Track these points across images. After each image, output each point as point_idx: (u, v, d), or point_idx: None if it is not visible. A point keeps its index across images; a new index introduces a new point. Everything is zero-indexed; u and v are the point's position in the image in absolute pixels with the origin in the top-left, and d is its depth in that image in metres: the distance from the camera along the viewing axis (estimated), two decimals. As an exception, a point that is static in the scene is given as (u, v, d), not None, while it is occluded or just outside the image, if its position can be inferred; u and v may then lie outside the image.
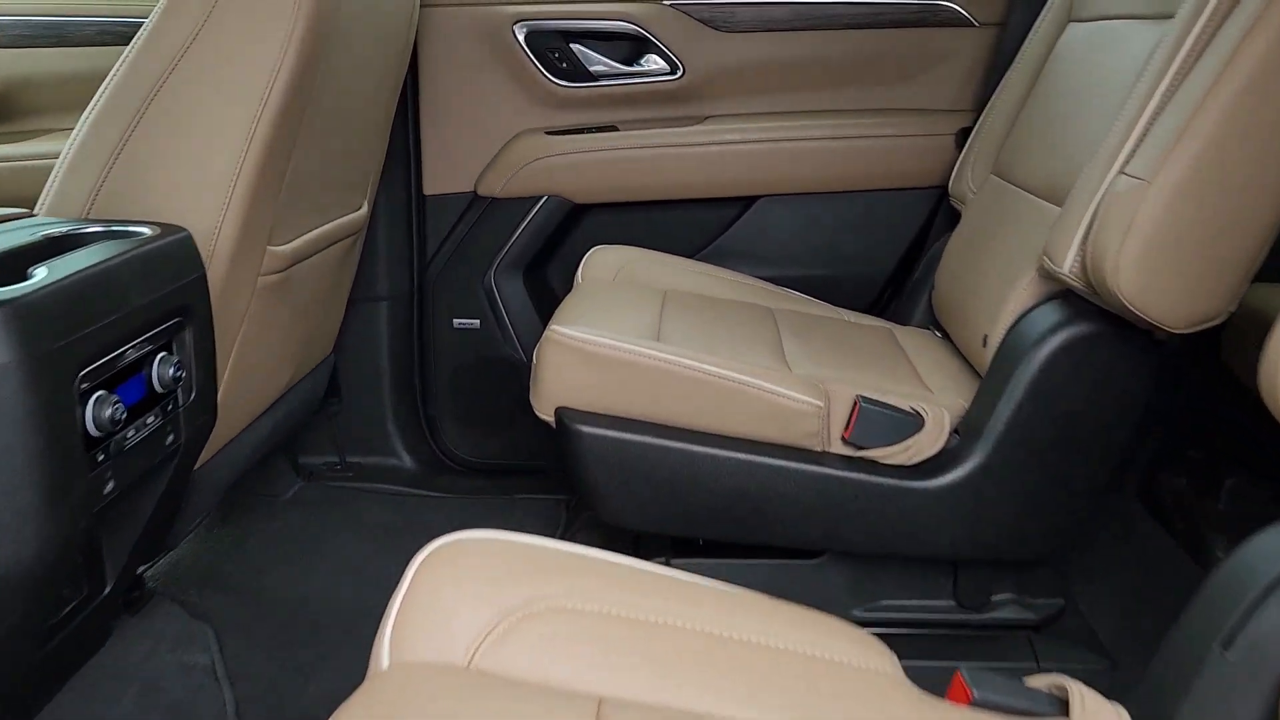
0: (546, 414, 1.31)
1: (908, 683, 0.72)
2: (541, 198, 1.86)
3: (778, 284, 1.77)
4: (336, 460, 1.99)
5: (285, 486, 1.90)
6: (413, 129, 1.87)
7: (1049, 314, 1.24)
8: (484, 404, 1.97)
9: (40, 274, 0.90)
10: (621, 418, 1.27)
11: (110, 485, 0.98)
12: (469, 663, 0.67)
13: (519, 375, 1.93)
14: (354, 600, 1.55)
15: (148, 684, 1.28)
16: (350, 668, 1.38)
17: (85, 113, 1.17)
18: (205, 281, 1.14)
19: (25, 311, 0.84)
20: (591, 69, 1.85)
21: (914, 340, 1.57)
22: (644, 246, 1.79)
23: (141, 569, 1.51)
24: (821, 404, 1.26)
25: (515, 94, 1.86)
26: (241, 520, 1.77)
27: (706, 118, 1.87)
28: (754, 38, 1.83)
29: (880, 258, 1.87)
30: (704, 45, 1.84)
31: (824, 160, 1.82)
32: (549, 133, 1.86)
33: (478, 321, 1.93)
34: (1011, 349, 1.26)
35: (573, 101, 1.87)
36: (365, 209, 1.68)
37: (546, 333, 1.29)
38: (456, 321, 1.93)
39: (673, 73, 1.85)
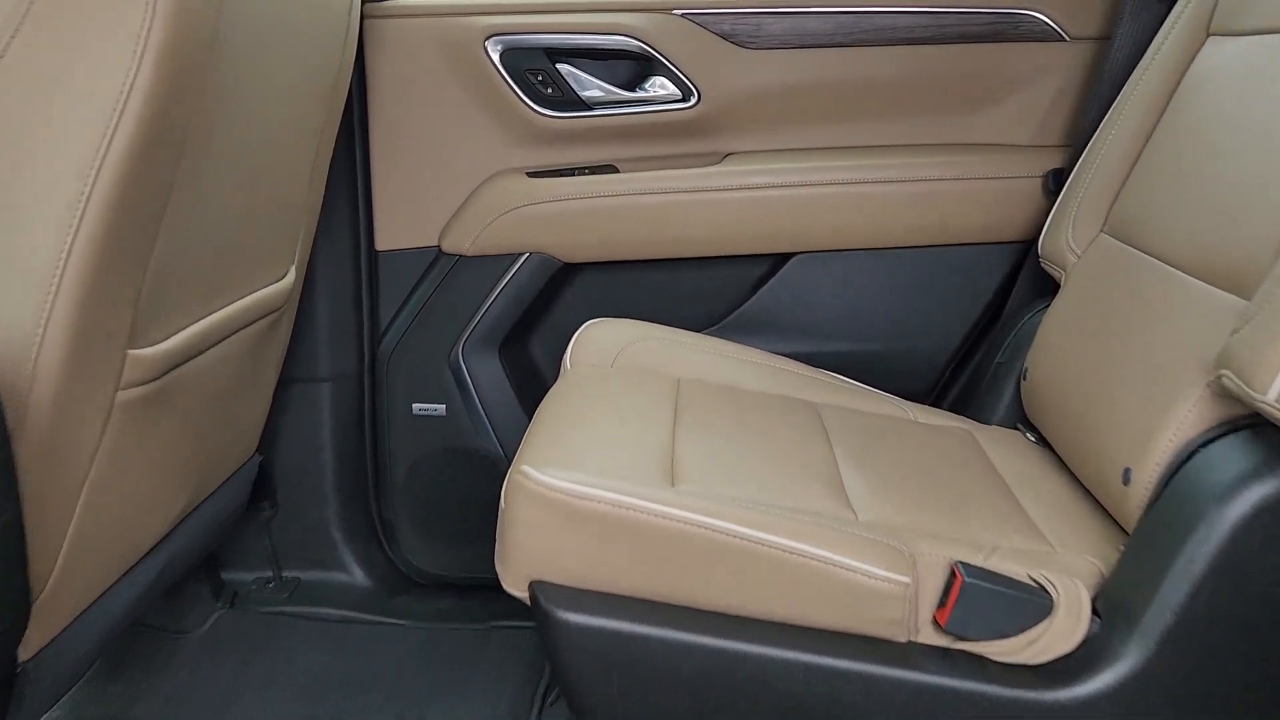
0: (517, 588, 0.93)
1: None
2: (521, 255, 1.48)
3: (814, 364, 1.40)
4: (270, 576, 1.61)
5: (199, 618, 1.51)
6: (361, 170, 1.50)
7: (1239, 453, 0.86)
8: (452, 506, 1.59)
9: None
10: (626, 598, 0.90)
11: None
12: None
13: (494, 471, 1.56)
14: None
15: None
16: None
17: None
18: None
19: None
20: (584, 95, 1.48)
21: (1007, 453, 1.19)
22: (649, 318, 1.41)
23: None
24: (908, 580, 0.88)
25: (488, 126, 1.49)
26: (133, 673, 1.39)
27: (727, 155, 1.50)
28: (786, 56, 1.46)
29: (944, 332, 1.50)
30: (724, 65, 1.47)
31: (875, 209, 1.45)
32: (530, 174, 1.49)
33: (443, 406, 1.55)
34: (1180, 499, 0.88)
35: (560, 136, 1.50)
36: (291, 277, 1.31)
37: (514, 476, 0.92)
38: (417, 406, 1.55)
39: (685, 99, 1.48)
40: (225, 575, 1.60)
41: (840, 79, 1.47)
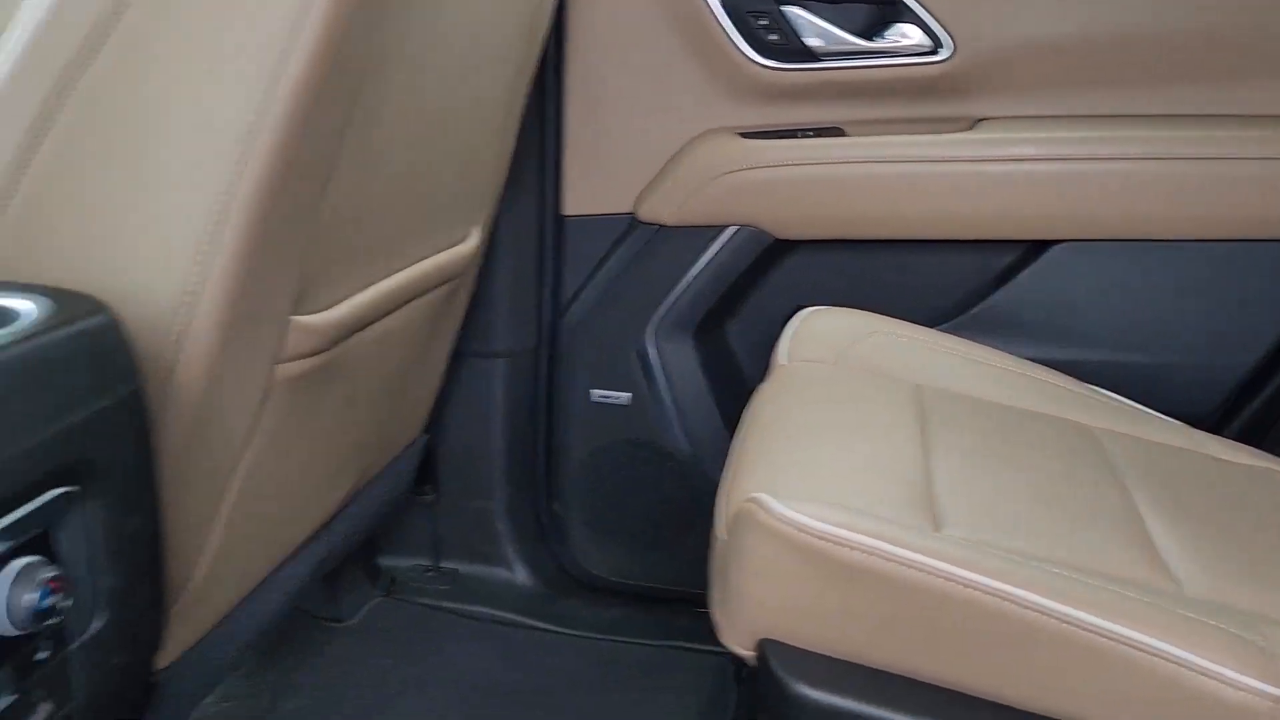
0: (741, 645, 0.74)
1: None
2: (729, 227, 1.29)
3: (1074, 374, 1.16)
4: (429, 564, 1.48)
5: (354, 604, 1.40)
6: (552, 126, 1.33)
7: None
8: (629, 506, 1.42)
9: None
10: (886, 674, 0.70)
11: None
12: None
13: (680, 470, 1.38)
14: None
15: None
16: None
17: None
18: (136, 405, 0.62)
19: None
20: (811, 43, 1.27)
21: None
22: (873, 307, 1.20)
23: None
24: (1274, 689, 0.65)
25: (699, 79, 1.30)
26: (285, 661, 1.28)
27: (979, 121, 1.26)
28: (1063, 1, 1.21)
29: (1239, 346, 1.22)
30: (984, 10, 1.22)
31: (1162, 192, 1.19)
32: (744, 135, 1.29)
33: (627, 395, 1.38)
34: None
35: (781, 91, 1.29)
36: (474, 241, 1.15)
37: (745, 506, 0.73)
38: (597, 393, 1.39)
39: (934, 51, 1.24)
40: (381, 561, 1.49)
41: (1129, 31, 1.21)
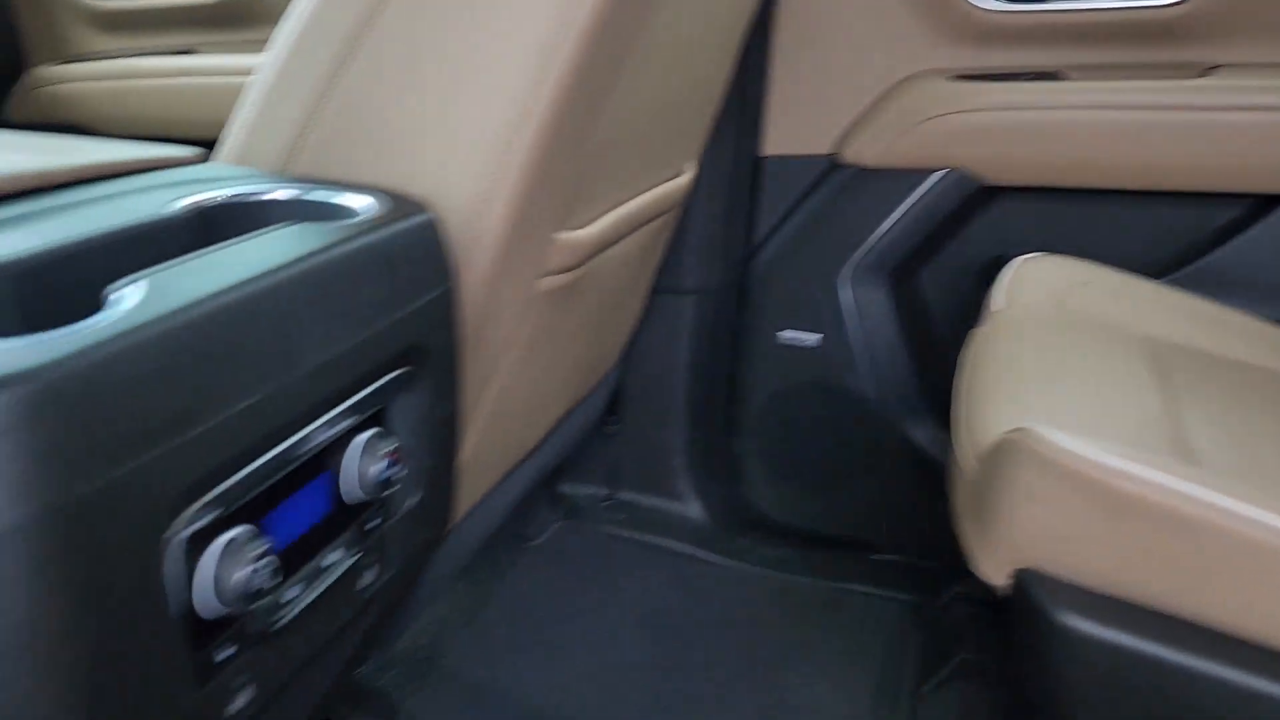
0: (996, 575, 0.75)
1: None
2: (937, 171, 1.27)
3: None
4: (606, 494, 1.52)
5: (539, 526, 1.45)
6: (757, 64, 1.33)
7: None
8: (810, 449, 1.43)
9: (124, 304, 0.43)
10: (1156, 611, 0.69)
11: (246, 696, 0.52)
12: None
13: (866, 416, 1.38)
14: (620, 742, 1.08)
15: None
16: None
17: (290, 22, 0.72)
18: (452, 298, 0.66)
19: (53, 405, 0.37)
20: (1034, -15, 1.23)
21: None
22: (1087, 257, 1.17)
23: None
24: None
25: (914, 18, 1.28)
26: (479, 574, 1.34)
27: (1214, 68, 1.21)
28: (1314, -57, 1.15)
29: None
30: (1227, -48, 1.17)
31: None
32: (957, 78, 1.26)
33: (816, 337, 1.38)
34: None
35: (1000, 33, 1.26)
36: (689, 175, 1.17)
37: (1014, 437, 0.73)
38: (786, 334, 1.39)
39: (1168, -6, 1.20)
40: (561, 489, 1.53)
41: (1384, -24, 1.14)
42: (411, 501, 0.64)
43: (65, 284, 0.49)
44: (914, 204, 1.29)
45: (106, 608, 0.40)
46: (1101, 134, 1.20)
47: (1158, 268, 1.24)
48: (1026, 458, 0.71)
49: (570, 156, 0.77)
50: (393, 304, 0.58)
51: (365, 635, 0.69)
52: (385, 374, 0.59)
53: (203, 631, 0.48)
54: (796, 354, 1.40)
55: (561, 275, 0.85)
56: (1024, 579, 0.72)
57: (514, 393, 0.88)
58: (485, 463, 0.88)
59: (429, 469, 0.65)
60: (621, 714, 1.11)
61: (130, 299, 0.44)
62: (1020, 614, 0.72)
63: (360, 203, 0.62)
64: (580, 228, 0.86)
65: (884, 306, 1.35)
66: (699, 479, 1.49)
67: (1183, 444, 0.78)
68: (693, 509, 1.50)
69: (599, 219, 0.91)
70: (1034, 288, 1.09)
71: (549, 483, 1.49)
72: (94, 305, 0.45)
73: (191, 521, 0.45)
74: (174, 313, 0.43)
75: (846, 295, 1.35)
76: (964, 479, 0.80)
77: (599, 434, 1.48)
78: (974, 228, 1.33)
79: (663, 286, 1.40)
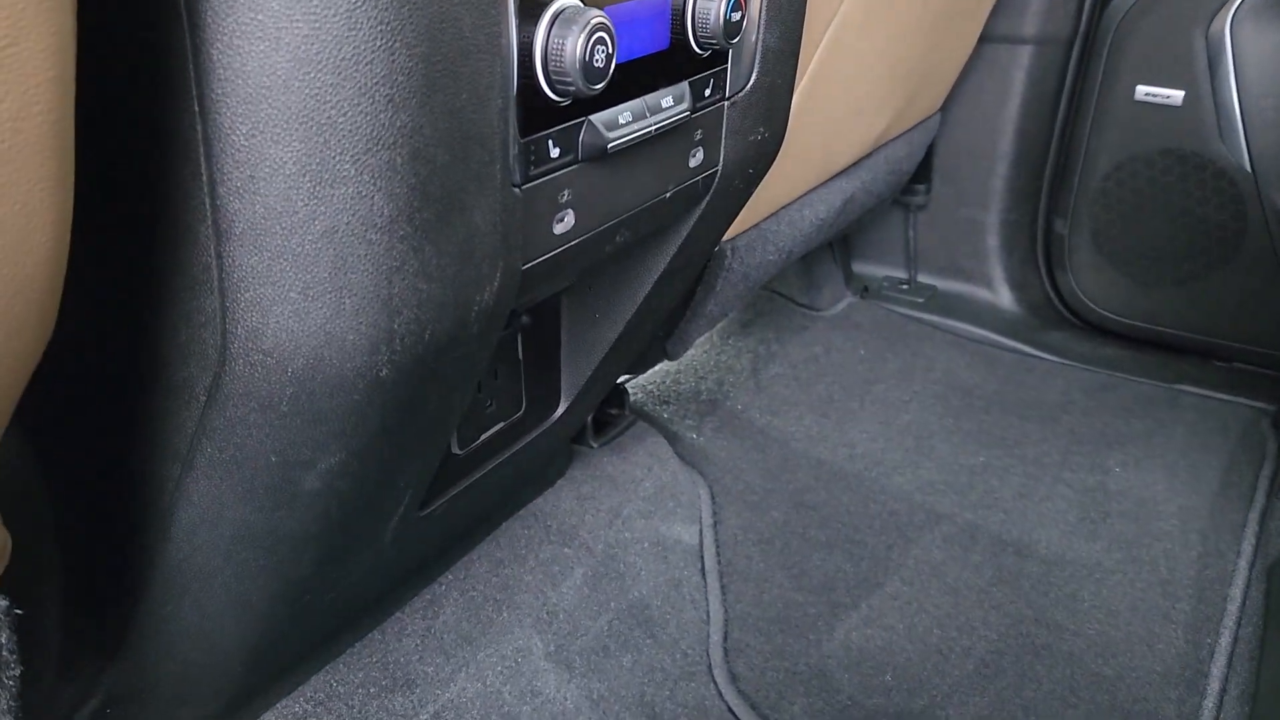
0: None
1: None
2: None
3: None
4: (904, 278, 1.40)
5: (830, 298, 1.35)
6: None
7: None
8: (1153, 232, 1.23)
9: None
10: None
11: (567, 221, 0.46)
12: None
13: (1232, 194, 1.17)
14: (912, 493, 0.98)
15: (607, 564, 0.81)
16: (902, 614, 0.82)
17: None
18: None
19: None
20: None
21: None
22: None
23: (623, 379, 1.06)
24: None
25: None
26: (765, 333, 1.26)
27: None
28: None
29: None
30: None
31: None
32: None
33: (1180, 93, 1.17)
34: None
35: None
36: None
37: None
38: (1143, 90, 1.19)
39: None
40: (855, 267, 1.42)
41: None
42: (748, 87, 0.55)
43: None
44: (1339, -84, 1.04)
45: (456, 52, 0.35)
46: None
47: None
48: None
49: None
50: None
51: (688, 258, 0.62)
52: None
53: (535, 119, 0.42)
54: (1156, 114, 1.19)
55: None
56: None
57: (836, 70, 0.77)
58: (801, 144, 0.78)
59: (771, 51, 0.55)
60: (918, 477, 1.01)
61: None
62: None
63: None
64: None
65: (1274, 57, 1.11)
66: (1011, 263, 1.34)
67: None
68: (1002, 297, 1.35)
69: None
70: None
71: (840, 260, 1.38)
72: None
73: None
74: None
75: (1225, 43, 1.13)
76: None
77: (905, 201, 1.35)
78: None
79: (996, 34, 1.23)
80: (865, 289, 1.39)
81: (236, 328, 0.36)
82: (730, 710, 0.73)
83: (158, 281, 0.37)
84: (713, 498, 0.95)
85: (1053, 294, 1.33)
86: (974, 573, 0.88)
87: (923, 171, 1.31)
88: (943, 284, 1.38)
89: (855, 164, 0.99)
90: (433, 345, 0.40)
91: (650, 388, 1.13)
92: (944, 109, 1.26)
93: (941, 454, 1.06)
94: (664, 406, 1.10)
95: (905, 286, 1.39)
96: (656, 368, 1.16)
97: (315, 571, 0.49)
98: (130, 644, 0.48)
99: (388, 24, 0.33)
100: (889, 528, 0.93)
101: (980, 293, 1.36)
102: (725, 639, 0.79)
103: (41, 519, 0.43)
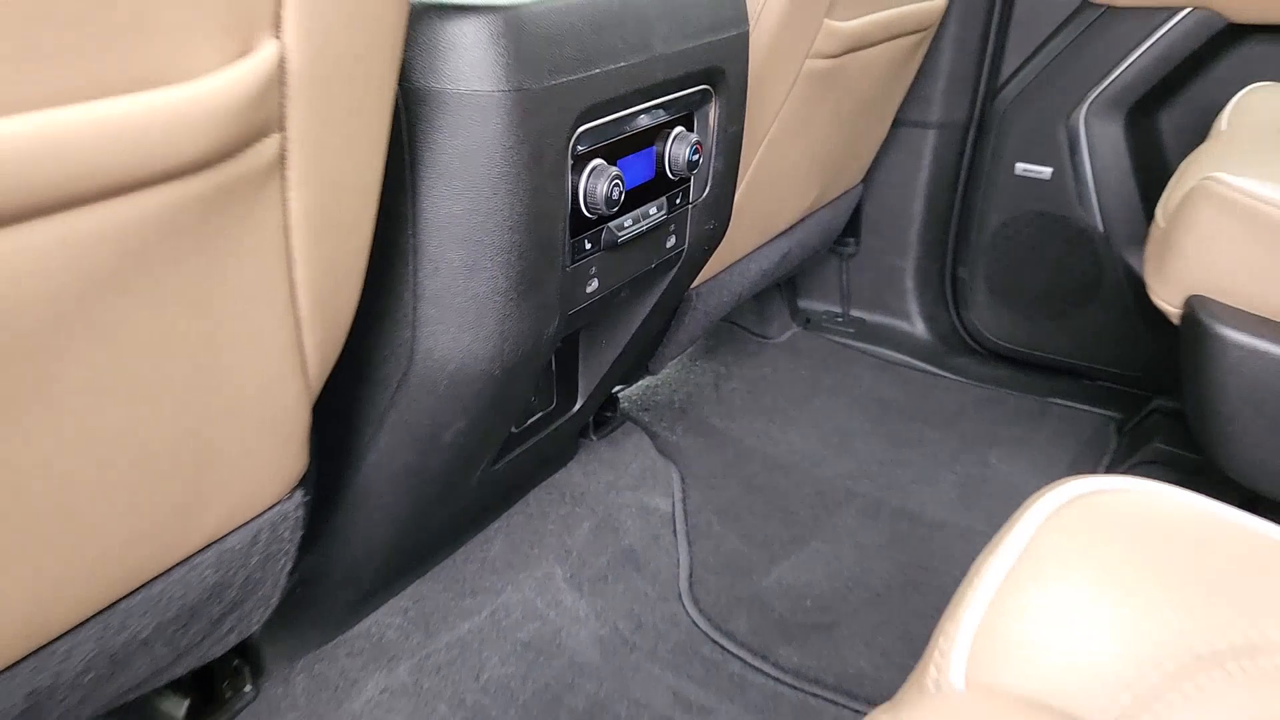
0: (1170, 301, 0.90)
1: None
2: (1182, 10, 1.35)
3: None
4: (839, 312, 1.72)
5: (779, 329, 1.67)
6: (1017, -93, 1.44)
7: None
8: (1031, 276, 1.56)
9: (549, -11, 0.67)
10: (1307, 331, 0.83)
11: (593, 285, 0.77)
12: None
13: (1090, 248, 1.49)
14: (835, 478, 1.29)
15: (606, 520, 1.12)
16: (821, 562, 1.13)
17: None
18: (746, 45, 0.87)
19: (520, 29, 0.61)
20: None
21: None
22: (1329, 93, 1.23)
23: (617, 389, 1.36)
24: None
25: None
26: (725, 357, 1.58)
27: None
28: None
29: None
30: None
31: None
32: (1213, -82, 1.33)
33: (1049, 170, 1.50)
34: None
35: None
36: (942, 1, 1.31)
37: (1201, 182, 0.87)
38: (1021, 166, 1.52)
39: None
40: (800, 303, 1.74)
41: None
42: (705, 191, 0.87)
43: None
44: (1157, 41, 1.37)
45: (535, 180, 0.65)
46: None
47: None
48: (1209, 199, 0.85)
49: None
50: (701, 31, 0.79)
51: (660, 301, 0.93)
52: (694, 86, 0.81)
53: (577, 226, 0.73)
54: (1030, 185, 1.52)
55: (823, 60, 1.04)
56: (1193, 303, 0.87)
57: (780, 153, 1.08)
58: (750, 210, 1.09)
59: (719, 170, 0.87)
60: (841, 467, 1.32)
61: (552, -12, 0.67)
62: (1189, 332, 0.87)
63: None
64: (845, 20, 1.04)
65: (1119, 142, 1.45)
66: (925, 301, 1.66)
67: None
68: (918, 328, 1.67)
69: (860, 17, 1.09)
70: (1258, 113, 1.18)
71: (788, 294, 1.70)
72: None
73: (581, 141, 0.69)
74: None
75: (1083, 130, 1.46)
76: (1156, 231, 0.94)
77: (836, 254, 1.67)
78: (1219, 67, 1.39)
79: (908, 120, 1.55)
80: (808, 321, 1.71)
81: (419, 346, 0.67)
82: (694, 623, 1.03)
83: (379, 319, 0.67)
84: (682, 480, 1.25)
85: (958, 325, 1.65)
86: (876, 534, 1.19)
87: (852, 227, 1.63)
88: (870, 317, 1.70)
89: (791, 227, 1.30)
90: (521, 357, 0.70)
91: (636, 398, 1.43)
92: (867, 179, 1.58)
93: (859, 450, 1.37)
94: (646, 412, 1.40)
95: (840, 319, 1.71)
96: (641, 382, 1.47)
97: (438, 495, 0.79)
98: (323, 540, 0.77)
99: (515, 195, 0.64)
100: (815, 504, 1.24)
101: (900, 324, 1.68)
102: (690, 576, 1.09)
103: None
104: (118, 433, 0.47)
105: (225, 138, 0.43)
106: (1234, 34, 1.36)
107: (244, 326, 0.51)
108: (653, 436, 1.33)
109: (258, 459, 0.57)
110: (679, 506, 1.19)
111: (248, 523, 0.60)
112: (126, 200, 0.41)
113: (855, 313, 1.72)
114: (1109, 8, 1.40)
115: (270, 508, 0.62)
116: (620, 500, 1.16)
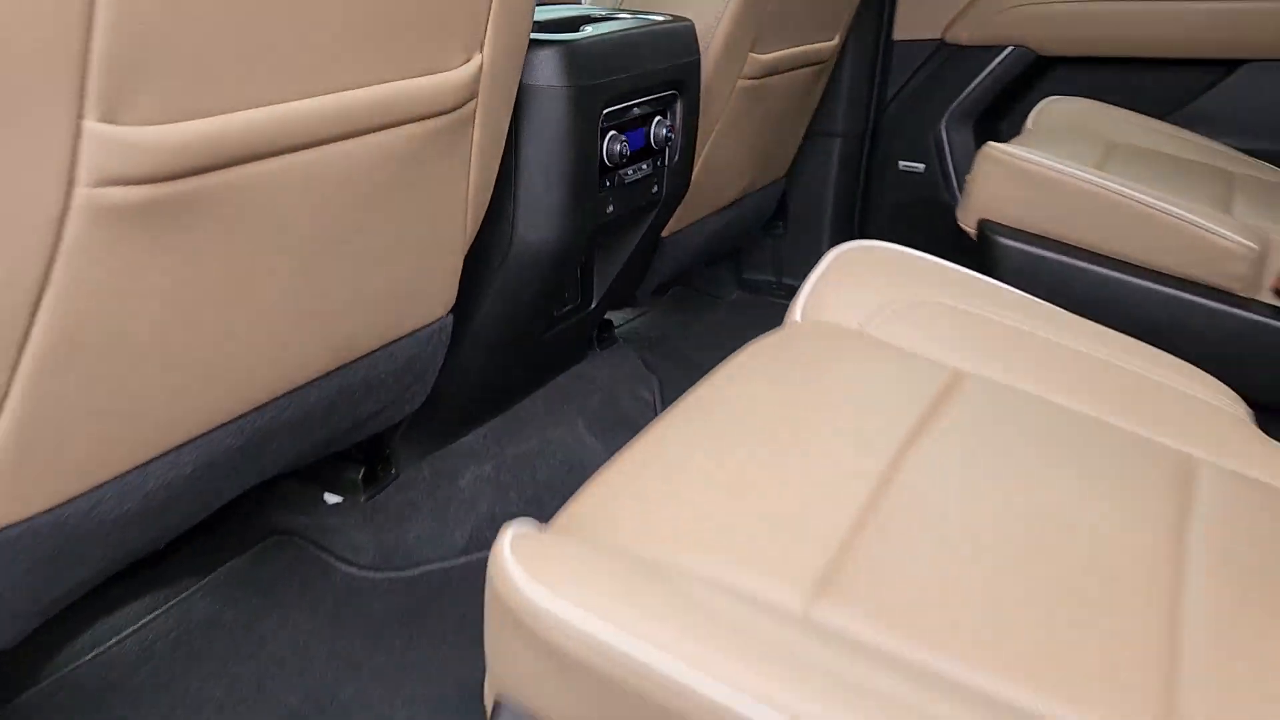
0: (969, 225, 1.42)
1: (1254, 427, 0.78)
2: (1006, 48, 1.90)
3: (1251, 155, 1.68)
4: (774, 280, 2.23)
5: (727, 291, 2.18)
6: (893, -27, 1.99)
7: None
8: (918, 240, 2.07)
9: (588, 30, 1.18)
10: (1040, 235, 1.35)
11: (610, 208, 1.27)
12: (859, 328, 0.85)
13: (950, 218, 2.02)
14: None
15: (609, 396, 1.61)
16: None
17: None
18: (699, 66, 1.38)
19: (576, 53, 1.12)
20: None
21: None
22: (1107, 102, 1.77)
23: (610, 315, 1.85)
24: (1256, 247, 1.24)
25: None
26: (689, 308, 2.08)
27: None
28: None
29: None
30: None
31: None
32: (1027, -19, 1.88)
33: (922, 166, 2.03)
34: None
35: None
36: (836, 41, 1.84)
37: (984, 148, 1.39)
38: (902, 164, 2.05)
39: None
40: (743, 273, 2.25)
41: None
42: (675, 158, 1.38)
43: (572, 25, 1.24)
44: (990, 72, 1.92)
45: (581, 139, 1.15)
46: (1123, 16, 1.79)
47: (1160, 111, 1.82)
48: (986, 158, 1.37)
49: (764, 5, 1.47)
50: (672, 57, 1.30)
51: (646, 233, 1.43)
52: (667, 90, 1.32)
53: (602, 170, 1.23)
54: (909, 178, 2.05)
55: (750, 80, 1.56)
56: (983, 225, 1.38)
57: (722, 147, 1.60)
58: (701, 185, 1.60)
59: (683, 145, 1.38)
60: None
61: (588, 29, 1.18)
62: (980, 246, 1.38)
63: (656, 16, 1.35)
64: (764, 53, 1.56)
65: (969, 145, 1.99)
66: (838, 268, 2.17)
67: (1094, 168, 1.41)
68: (833, 290, 2.18)
69: (775, 52, 1.61)
70: (1054, 117, 1.72)
71: (734, 265, 2.21)
72: (576, 30, 1.20)
73: (605, 120, 1.20)
74: (603, 35, 1.17)
75: (943, 137, 1.99)
76: (966, 186, 1.46)
77: (770, 234, 2.18)
78: (1035, 88, 1.94)
79: (818, 131, 2.08)
80: (750, 287, 2.22)
81: (515, 233, 1.16)
82: (672, 460, 1.52)
83: (493, 216, 1.16)
84: (660, 384, 1.74)
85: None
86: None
87: (780, 214, 2.15)
88: (796, 283, 2.22)
89: (731, 204, 1.81)
90: (574, 245, 1.19)
91: (624, 330, 1.93)
92: (790, 176, 2.11)
93: (788, 366, 1.87)
94: (632, 342, 1.90)
95: (774, 285, 2.22)
96: (629, 321, 1.96)
97: (515, 343, 1.28)
98: (446, 367, 1.25)
99: (571, 147, 1.13)
100: (755, 396, 1.74)
101: (820, 288, 2.19)
102: (669, 434, 1.58)
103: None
104: (378, 263, 0.96)
105: (456, 100, 0.93)
106: (1040, 65, 1.90)
107: (445, 204, 1.00)
108: (640, 357, 1.82)
109: (436, 286, 1.06)
110: (658, 396, 1.68)
111: (426, 326, 1.09)
112: (407, 128, 0.90)
113: (786, 280, 2.23)
114: (958, 46, 1.94)
115: (437, 319, 1.10)
116: (618, 388, 1.65)
